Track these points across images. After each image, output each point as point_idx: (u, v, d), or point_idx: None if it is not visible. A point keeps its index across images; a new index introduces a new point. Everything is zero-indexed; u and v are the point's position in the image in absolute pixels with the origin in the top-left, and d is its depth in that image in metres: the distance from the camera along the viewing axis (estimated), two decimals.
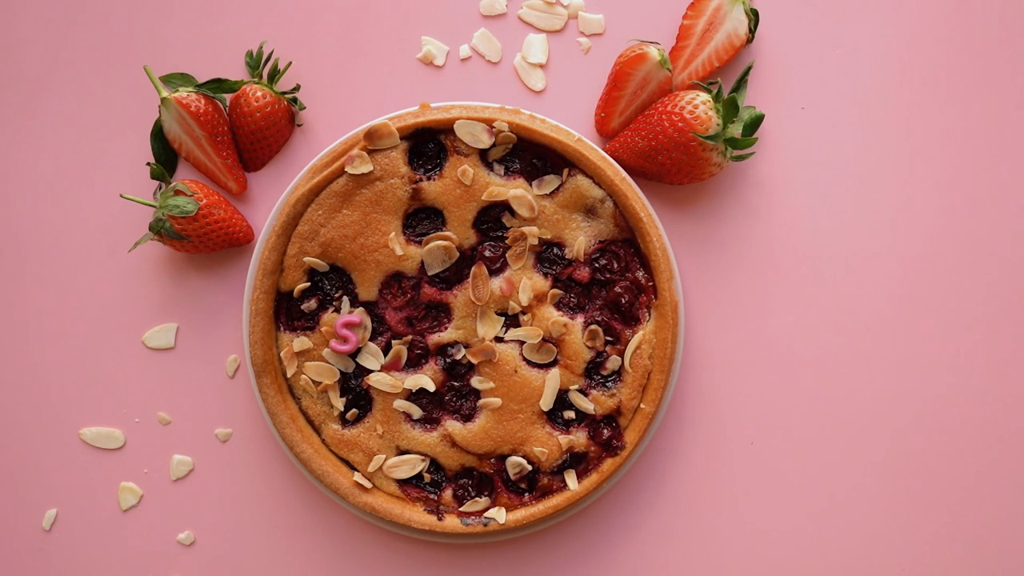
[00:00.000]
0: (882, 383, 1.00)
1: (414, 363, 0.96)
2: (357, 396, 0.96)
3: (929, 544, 0.99)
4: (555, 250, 0.95)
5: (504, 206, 0.94)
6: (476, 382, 0.95)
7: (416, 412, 0.95)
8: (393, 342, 0.95)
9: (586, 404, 0.94)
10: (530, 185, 0.95)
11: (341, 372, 0.95)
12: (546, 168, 0.95)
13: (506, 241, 0.95)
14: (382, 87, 1.00)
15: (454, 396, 0.96)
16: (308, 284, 0.95)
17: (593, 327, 0.94)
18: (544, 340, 0.94)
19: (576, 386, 0.95)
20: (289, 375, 0.95)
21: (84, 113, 1.01)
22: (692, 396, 1.00)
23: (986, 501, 0.99)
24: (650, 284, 0.95)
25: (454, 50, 1.01)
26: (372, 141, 0.93)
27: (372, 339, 0.95)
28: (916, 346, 1.00)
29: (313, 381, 0.95)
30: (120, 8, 1.01)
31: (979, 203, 1.00)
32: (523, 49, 1.00)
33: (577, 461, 0.95)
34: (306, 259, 0.94)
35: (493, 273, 0.95)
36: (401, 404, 0.95)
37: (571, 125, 0.99)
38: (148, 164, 0.95)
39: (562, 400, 0.95)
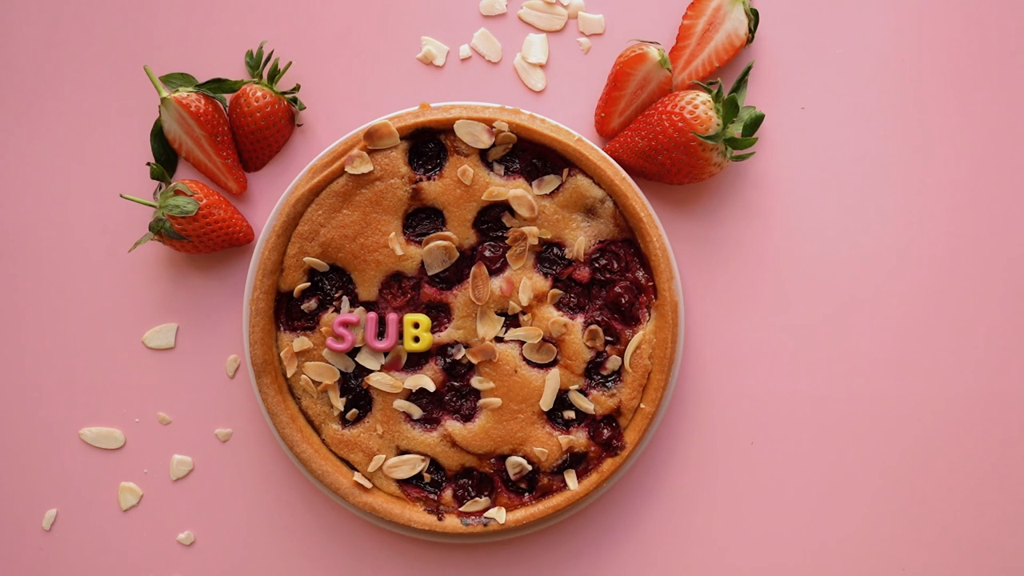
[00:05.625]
0: (882, 383, 1.00)
1: (414, 363, 0.96)
2: (357, 396, 0.96)
3: (929, 544, 0.99)
4: (555, 250, 0.95)
5: (504, 206, 0.94)
6: (476, 382, 0.95)
7: (416, 412, 0.95)
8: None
9: (586, 404, 0.94)
10: (530, 185, 0.95)
11: (341, 372, 0.95)
12: (546, 168, 0.95)
13: (506, 241, 0.95)
14: (382, 87, 1.00)
15: (454, 396, 0.96)
16: (308, 284, 0.95)
17: (593, 327, 0.94)
18: (544, 340, 0.94)
19: (576, 386, 0.95)
20: (289, 375, 0.95)
21: (84, 113, 1.01)
22: (692, 396, 1.00)
23: (987, 501, 0.99)
24: (650, 284, 0.95)
25: (454, 50, 1.01)
26: (372, 141, 0.93)
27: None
28: (917, 345, 1.00)
29: (313, 381, 0.95)
30: (120, 8, 1.01)
31: (980, 202, 1.00)
32: (523, 49, 1.00)
33: (577, 461, 0.95)
34: (306, 259, 0.94)
35: (493, 273, 0.95)
36: (401, 404, 0.95)
37: (571, 125, 0.99)
38: (148, 164, 0.95)
39: (562, 400, 0.95)
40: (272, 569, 1.00)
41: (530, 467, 0.94)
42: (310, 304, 0.95)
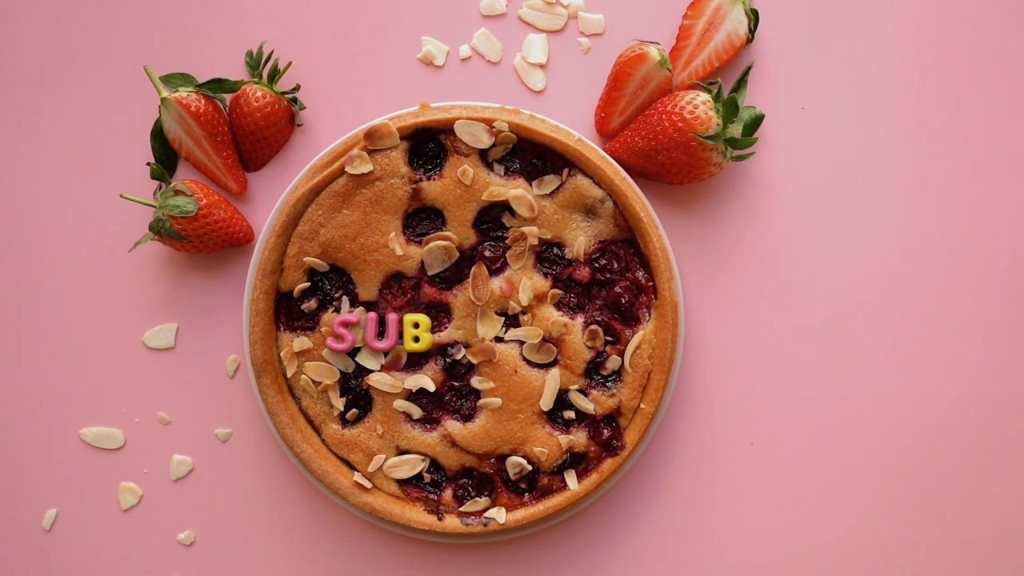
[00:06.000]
0: (882, 383, 1.00)
1: (414, 363, 0.96)
2: (357, 396, 0.96)
3: (929, 544, 0.99)
4: (555, 250, 0.95)
5: (504, 206, 0.94)
6: (476, 382, 0.95)
7: (416, 412, 0.95)
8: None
9: (586, 404, 0.94)
10: (530, 185, 0.95)
11: (341, 372, 0.95)
12: (546, 168, 0.95)
13: (506, 241, 0.95)
14: (382, 87, 1.00)
15: (454, 396, 0.96)
16: (308, 284, 0.95)
17: (593, 327, 0.94)
18: (544, 340, 0.94)
19: (576, 386, 0.95)
20: (289, 375, 0.95)
21: (84, 113, 1.01)
22: (692, 396, 1.00)
23: (987, 501, 0.99)
24: (650, 284, 0.95)
25: (454, 50, 1.01)
26: (372, 141, 0.93)
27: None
28: (916, 345, 1.00)
29: (313, 381, 0.95)
30: (120, 8, 1.01)
31: (979, 202, 1.00)
32: (523, 49, 1.00)
33: (577, 461, 0.95)
34: (306, 259, 0.94)
35: (493, 273, 0.95)
36: (401, 404, 0.95)
37: (571, 125, 0.99)
38: (148, 164, 0.95)
39: (562, 400, 0.95)
40: (272, 569, 1.00)
41: (530, 467, 0.94)
42: (310, 304, 0.95)
